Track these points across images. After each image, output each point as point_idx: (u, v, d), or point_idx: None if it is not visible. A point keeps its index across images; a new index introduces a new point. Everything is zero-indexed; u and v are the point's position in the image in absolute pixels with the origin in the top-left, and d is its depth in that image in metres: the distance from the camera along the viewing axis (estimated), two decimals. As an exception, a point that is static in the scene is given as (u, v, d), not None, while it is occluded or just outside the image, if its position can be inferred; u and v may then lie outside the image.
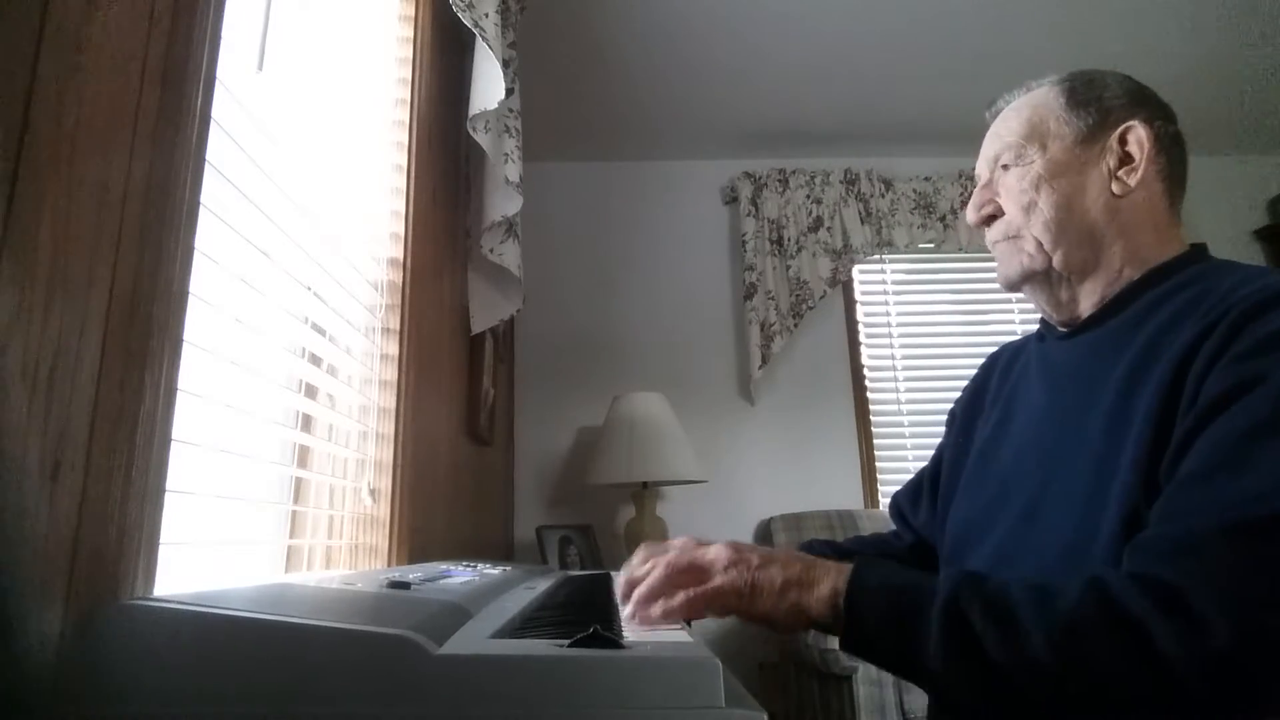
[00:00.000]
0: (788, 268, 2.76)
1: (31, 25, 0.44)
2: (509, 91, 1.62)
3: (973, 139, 0.92)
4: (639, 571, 0.66)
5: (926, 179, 2.88)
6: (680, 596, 0.60)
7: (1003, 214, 0.83)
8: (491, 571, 0.88)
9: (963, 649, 0.55)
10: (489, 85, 1.46)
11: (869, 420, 2.74)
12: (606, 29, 2.19)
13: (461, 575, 0.78)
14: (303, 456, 1.02)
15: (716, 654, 0.40)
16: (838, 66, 2.40)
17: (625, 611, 0.63)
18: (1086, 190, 0.78)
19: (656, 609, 0.60)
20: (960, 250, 2.83)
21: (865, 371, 2.79)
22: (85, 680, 0.41)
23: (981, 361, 0.98)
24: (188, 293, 0.59)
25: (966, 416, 0.93)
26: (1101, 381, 0.71)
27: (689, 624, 0.65)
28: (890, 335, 2.85)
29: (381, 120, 1.30)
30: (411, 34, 1.39)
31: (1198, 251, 0.78)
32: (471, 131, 1.50)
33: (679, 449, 2.25)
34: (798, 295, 2.73)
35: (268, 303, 0.80)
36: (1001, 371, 0.91)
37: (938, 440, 1.00)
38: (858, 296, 2.88)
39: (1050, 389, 0.79)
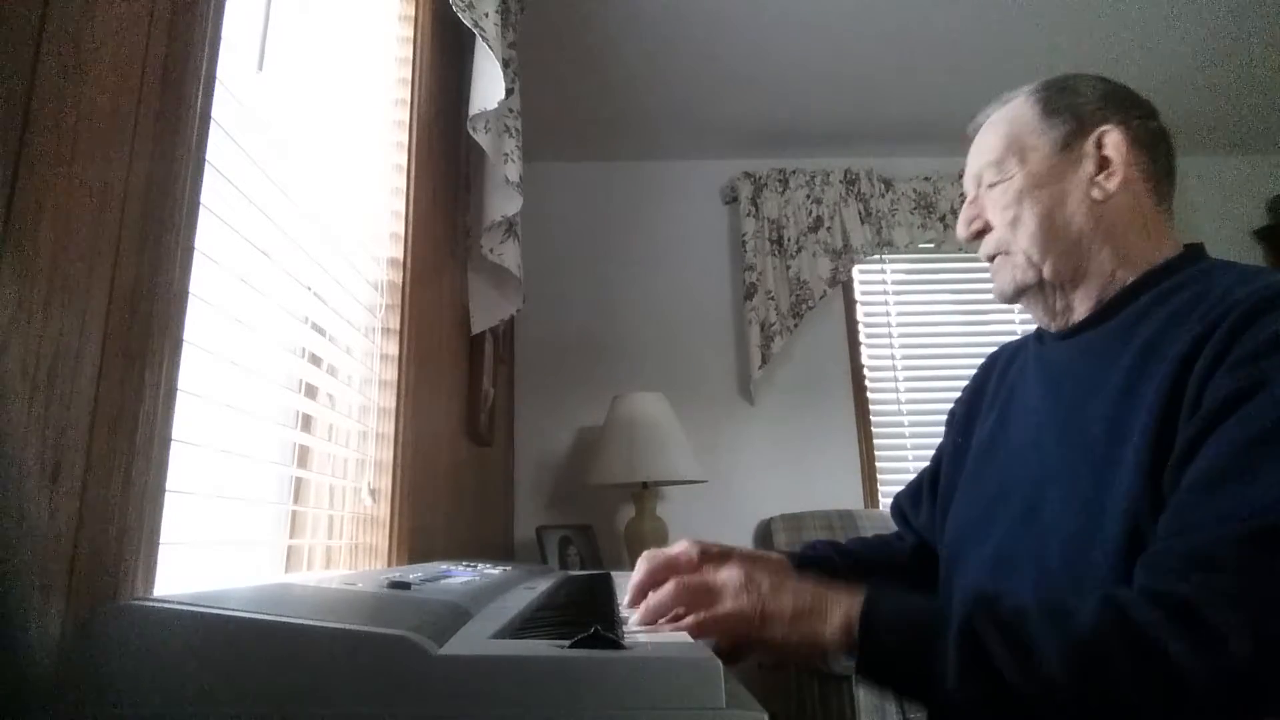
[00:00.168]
0: (788, 268, 2.76)
1: (31, 25, 0.44)
2: (509, 91, 1.62)
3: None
4: (644, 579, 0.66)
5: (926, 179, 2.88)
6: (690, 620, 0.59)
7: (991, 229, 0.83)
8: (491, 571, 0.88)
9: (979, 672, 0.54)
10: (489, 85, 1.46)
11: (869, 420, 2.74)
12: (606, 29, 2.19)
13: (461, 575, 0.78)
14: (303, 456, 1.02)
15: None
16: (838, 66, 2.40)
17: (633, 618, 0.63)
18: (1067, 199, 0.78)
19: (665, 628, 0.60)
20: (960, 250, 2.83)
21: (865, 371, 2.79)
22: (85, 680, 0.41)
23: (981, 361, 0.98)
24: (188, 293, 0.59)
25: (966, 417, 0.93)
26: (1100, 382, 0.71)
27: None
28: (890, 335, 2.85)
29: (381, 120, 1.30)
30: (411, 34, 1.39)
31: (1194, 251, 0.77)
32: (471, 131, 1.50)
33: (679, 449, 2.25)
34: (798, 295, 2.73)
35: (268, 303, 0.80)
36: (1000, 372, 0.91)
37: (938, 440, 1.00)
38: (858, 296, 2.88)
39: (1048, 390, 0.79)
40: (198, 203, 0.61)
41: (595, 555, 2.36)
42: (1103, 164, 0.77)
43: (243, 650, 0.40)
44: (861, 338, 2.83)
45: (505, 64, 1.56)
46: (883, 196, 2.86)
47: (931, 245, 2.87)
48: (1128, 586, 0.58)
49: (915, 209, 2.85)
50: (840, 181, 2.84)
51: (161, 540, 0.55)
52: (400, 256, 1.28)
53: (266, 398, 0.90)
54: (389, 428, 1.18)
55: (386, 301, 1.23)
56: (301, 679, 0.39)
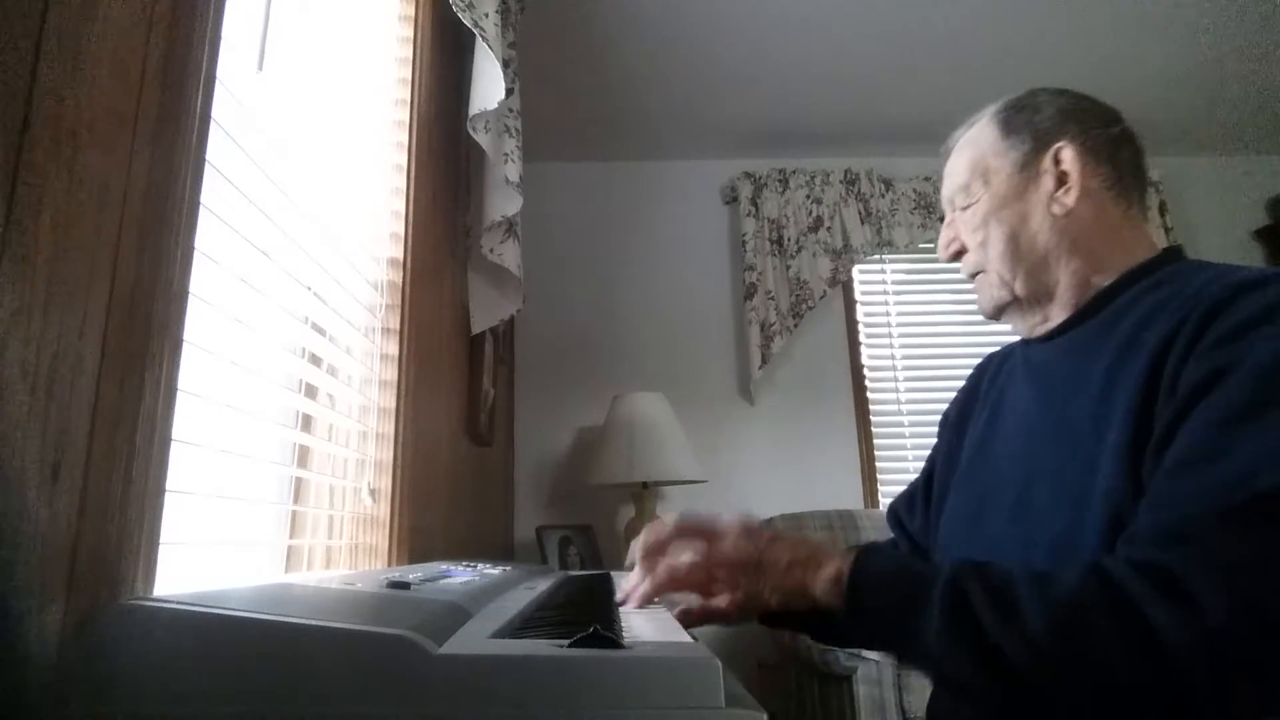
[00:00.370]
0: (788, 268, 2.76)
1: (31, 25, 0.44)
2: (509, 91, 1.62)
3: (973, 139, 0.92)
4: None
5: (926, 179, 2.87)
6: (687, 556, 0.61)
7: (967, 250, 0.86)
8: (491, 571, 0.88)
9: (963, 629, 0.56)
10: (489, 85, 1.46)
11: (869, 420, 2.74)
12: (606, 29, 2.19)
13: (461, 575, 0.78)
14: (303, 456, 1.02)
15: (716, 654, 0.40)
16: (838, 66, 2.40)
17: (629, 557, 0.65)
18: (1030, 217, 0.80)
19: (662, 566, 0.61)
20: (960, 250, 2.83)
21: (865, 371, 2.79)
22: (85, 680, 0.41)
23: (979, 362, 0.99)
24: (188, 293, 0.59)
25: (958, 421, 0.95)
26: (1083, 379, 0.73)
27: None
28: (890, 335, 2.85)
29: (381, 120, 1.30)
30: (411, 34, 1.39)
31: (1171, 253, 0.79)
32: (471, 131, 1.50)
33: (679, 449, 2.25)
34: (798, 295, 2.73)
35: (268, 303, 0.80)
36: (991, 376, 0.93)
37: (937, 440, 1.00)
38: (858, 296, 2.88)
39: (1035, 388, 0.81)
40: (198, 203, 0.62)
41: (595, 555, 2.36)
42: (1061, 180, 0.80)
43: (243, 650, 0.40)
44: (861, 338, 2.83)
45: (505, 64, 1.56)
46: (883, 196, 2.86)
47: (931, 245, 2.86)
48: (1109, 556, 0.59)
49: (915, 209, 2.85)
50: (840, 181, 2.84)
51: (161, 540, 0.55)
52: (400, 256, 1.28)
53: (266, 398, 0.90)
54: (389, 428, 1.18)
55: (386, 301, 1.24)
56: (301, 679, 0.39)
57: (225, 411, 0.72)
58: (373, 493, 1.13)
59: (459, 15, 1.39)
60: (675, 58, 2.33)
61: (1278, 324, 0.59)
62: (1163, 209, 2.82)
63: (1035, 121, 0.82)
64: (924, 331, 2.85)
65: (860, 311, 2.86)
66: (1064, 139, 0.80)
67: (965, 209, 0.85)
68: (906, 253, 2.88)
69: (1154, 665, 0.51)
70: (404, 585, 0.61)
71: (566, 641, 0.42)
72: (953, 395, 1.01)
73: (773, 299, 2.71)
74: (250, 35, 0.82)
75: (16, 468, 0.41)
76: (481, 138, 1.52)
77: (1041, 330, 0.83)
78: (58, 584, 0.44)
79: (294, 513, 1.00)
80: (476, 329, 1.81)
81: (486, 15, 1.46)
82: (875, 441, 2.73)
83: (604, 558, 2.39)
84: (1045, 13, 2.18)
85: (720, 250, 2.87)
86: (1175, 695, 0.51)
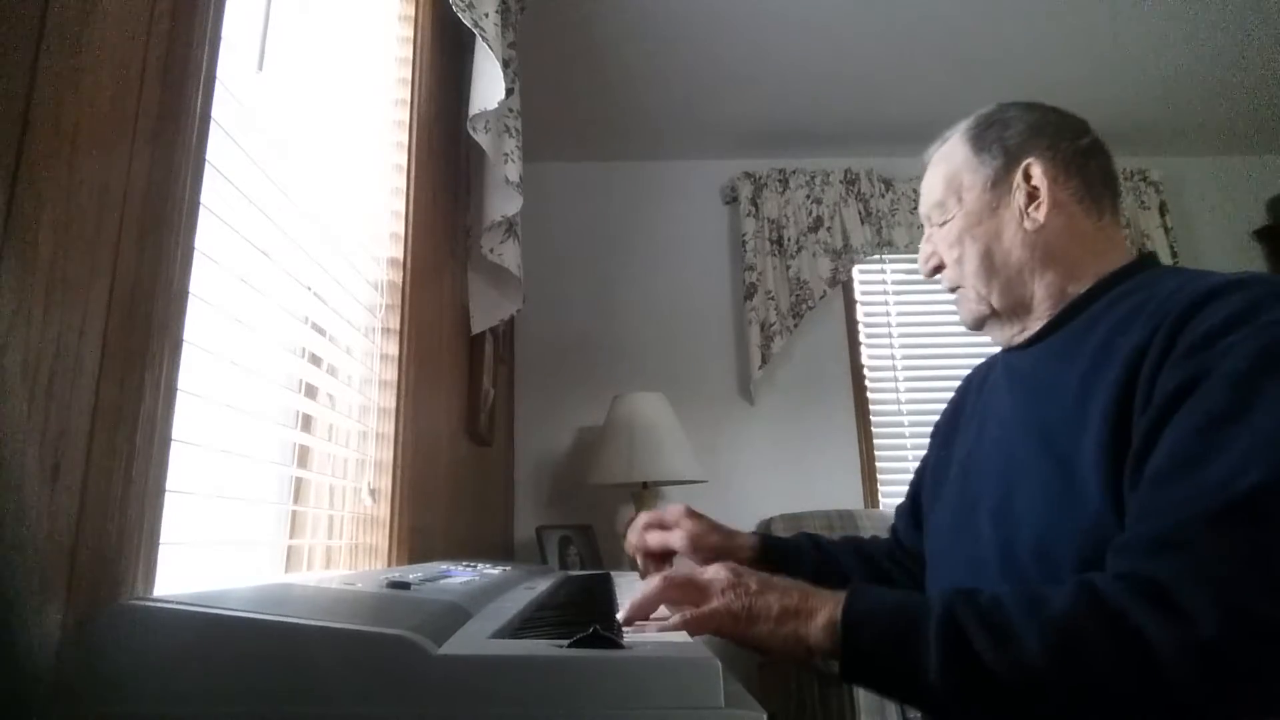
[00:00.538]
0: (788, 268, 2.76)
1: (31, 25, 0.44)
2: (509, 91, 1.62)
3: (973, 139, 0.93)
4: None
5: (926, 179, 2.87)
6: (676, 618, 0.60)
7: (945, 265, 0.87)
8: (491, 571, 0.88)
9: (961, 661, 0.55)
10: (489, 85, 1.46)
11: (869, 420, 2.74)
12: (606, 29, 2.19)
13: (461, 575, 0.78)
14: (303, 456, 1.02)
15: (716, 654, 0.40)
16: (838, 66, 2.40)
17: (620, 615, 0.63)
18: (1003, 233, 0.82)
19: (652, 626, 0.60)
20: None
21: (865, 371, 2.79)
22: (85, 680, 0.41)
23: (978, 363, 1.00)
24: (188, 293, 0.59)
25: (947, 431, 0.96)
26: (1060, 385, 0.73)
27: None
28: (890, 335, 2.84)
29: (381, 120, 1.30)
30: (411, 34, 1.39)
31: (1146, 259, 0.80)
32: (471, 131, 1.50)
33: (679, 449, 2.25)
34: (798, 295, 2.73)
35: (268, 303, 0.80)
36: (978, 388, 0.94)
37: (938, 441, 1.01)
38: (858, 296, 2.87)
39: (1015, 396, 0.81)
40: (198, 203, 0.62)
41: (595, 555, 2.36)
42: (1032, 195, 0.81)
43: (243, 650, 0.40)
44: (861, 338, 2.83)
45: (505, 64, 1.56)
46: (883, 196, 2.86)
47: (931, 245, 2.86)
48: (1099, 573, 0.59)
49: (915, 209, 2.85)
50: (840, 181, 2.84)
51: (161, 540, 0.55)
52: (400, 256, 1.28)
53: (266, 398, 0.90)
54: (389, 428, 1.18)
55: (386, 301, 1.23)
56: (301, 679, 0.39)
57: (225, 411, 0.72)
58: (373, 493, 1.13)
59: (459, 15, 1.39)
60: (675, 58, 2.33)
61: (1247, 329, 0.60)
62: (1163, 209, 2.82)
63: (1005, 138, 0.83)
64: (924, 331, 2.84)
65: (860, 311, 2.86)
66: (1033, 154, 0.81)
67: (941, 225, 0.86)
68: (906, 253, 2.87)
69: (1150, 679, 0.51)
70: (404, 585, 0.61)
71: (566, 641, 0.42)
72: (952, 395, 1.02)
73: (773, 299, 2.71)
74: (250, 35, 0.82)
75: (16, 468, 0.41)
76: (481, 138, 1.52)
77: (1020, 339, 0.84)
78: (58, 584, 0.44)
79: (294, 513, 1.00)
80: (476, 329, 1.81)
81: (486, 15, 1.46)
82: (875, 441, 2.73)
83: (604, 558, 2.39)
84: (1045, 13, 2.18)
85: (720, 250, 2.87)
86: (1174, 707, 0.51)
